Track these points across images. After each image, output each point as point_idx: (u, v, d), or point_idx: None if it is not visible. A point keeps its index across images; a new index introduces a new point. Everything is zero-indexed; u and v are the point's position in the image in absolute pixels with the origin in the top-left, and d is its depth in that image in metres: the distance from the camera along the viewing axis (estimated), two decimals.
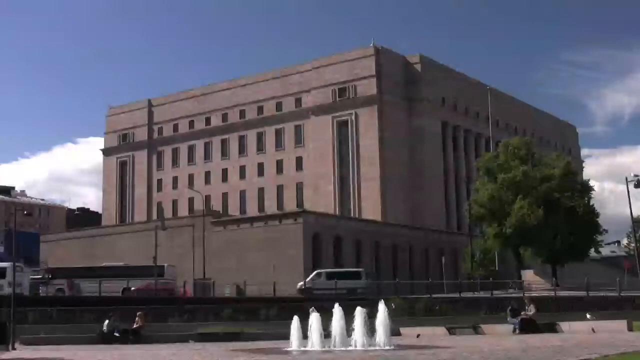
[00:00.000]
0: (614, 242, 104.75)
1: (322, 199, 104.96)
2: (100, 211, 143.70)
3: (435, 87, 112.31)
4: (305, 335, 25.96)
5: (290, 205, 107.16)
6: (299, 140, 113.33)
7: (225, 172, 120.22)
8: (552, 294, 57.26)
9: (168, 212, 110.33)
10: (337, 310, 25.59)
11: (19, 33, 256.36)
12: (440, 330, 35.25)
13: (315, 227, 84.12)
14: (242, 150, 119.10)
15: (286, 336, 27.48)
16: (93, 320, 40.24)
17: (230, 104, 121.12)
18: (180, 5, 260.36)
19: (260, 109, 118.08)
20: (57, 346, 31.62)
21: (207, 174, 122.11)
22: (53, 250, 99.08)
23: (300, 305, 40.99)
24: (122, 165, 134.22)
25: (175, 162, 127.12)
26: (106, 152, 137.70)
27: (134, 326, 35.02)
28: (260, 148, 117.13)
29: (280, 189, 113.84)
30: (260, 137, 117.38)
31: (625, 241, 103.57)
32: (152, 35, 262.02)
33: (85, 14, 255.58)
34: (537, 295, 54.71)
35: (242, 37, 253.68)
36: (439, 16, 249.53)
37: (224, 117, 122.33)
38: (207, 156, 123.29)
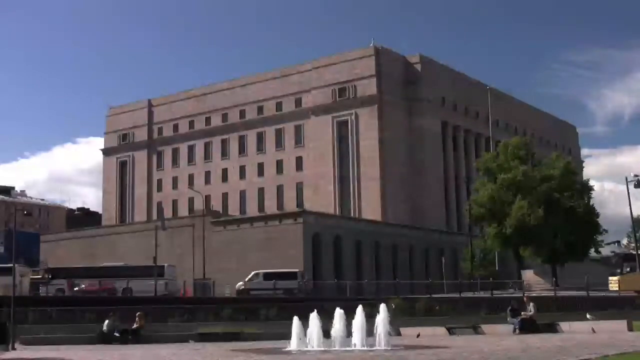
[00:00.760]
0: (614, 242, 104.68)
1: (322, 199, 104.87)
2: (100, 211, 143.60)
3: (435, 87, 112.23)
4: (305, 335, 25.97)
5: (290, 205, 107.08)
6: (299, 140, 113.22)
7: (225, 172, 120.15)
8: (552, 294, 57.35)
9: (168, 212, 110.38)
10: (337, 311, 25.64)
11: (20, 33, 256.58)
12: (441, 330, 35.26)
13: (315, 227, 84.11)
14: (242, 150, 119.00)
15: (286, 336, 27.51)
16: (93, 320, 40.29)
17: (230, 104, 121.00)
18: (180, 6, 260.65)
19: (260, 109, 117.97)
20: (57, 346, 31.67)
21: (207, 174, 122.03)
22: (53, 250, 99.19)
23: (300, 305, 40.93)
24: (122, 165, 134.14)
25: (175, 162, 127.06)
26: (106, 152, 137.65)
27: (134, 326, 35.05)
28: (260, 148, 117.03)
29: (280, 189, 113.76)
30: (260, 137, 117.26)
31: (625, 241, 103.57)
32: (152, 35, 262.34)
33: (86, 14, 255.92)
34: (537, 295, 54.68)
35: (242, 37, 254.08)
36: (439, 16, 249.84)
37: (224, 117, 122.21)
38: (207, 156, 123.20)
